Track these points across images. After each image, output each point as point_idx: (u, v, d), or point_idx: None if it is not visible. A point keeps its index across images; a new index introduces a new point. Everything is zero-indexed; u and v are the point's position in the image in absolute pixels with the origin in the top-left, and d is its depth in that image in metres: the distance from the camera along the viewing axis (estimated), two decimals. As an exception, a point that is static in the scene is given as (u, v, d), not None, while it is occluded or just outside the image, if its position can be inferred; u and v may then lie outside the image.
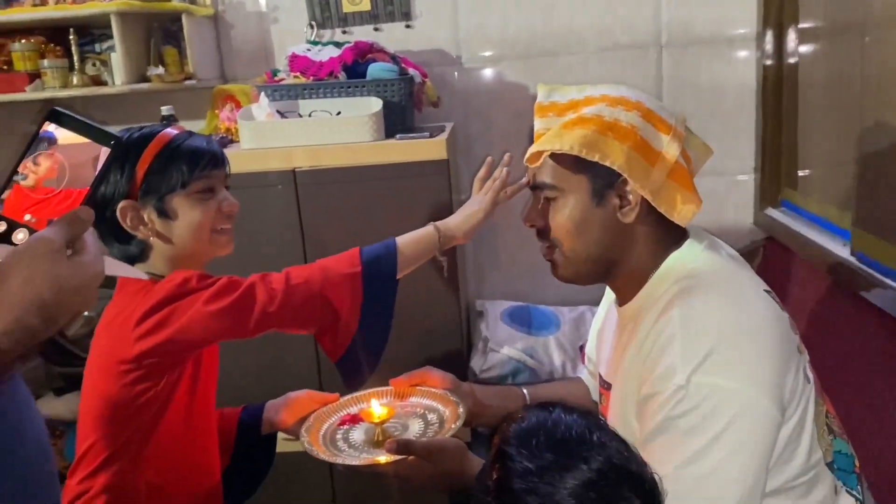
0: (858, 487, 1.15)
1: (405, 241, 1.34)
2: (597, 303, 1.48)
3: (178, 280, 1.15)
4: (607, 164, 1.06)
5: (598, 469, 0.79)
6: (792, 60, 2.03)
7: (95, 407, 1.18)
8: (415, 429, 1.36)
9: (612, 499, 0.78)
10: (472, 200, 1.47)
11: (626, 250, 1.14)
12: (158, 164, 1.17)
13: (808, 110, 1.99)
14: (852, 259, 1.55)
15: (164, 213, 1.19)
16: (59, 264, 0.71)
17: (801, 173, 2.05)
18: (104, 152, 0.82)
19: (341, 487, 1.98)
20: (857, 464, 1.17)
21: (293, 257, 1.81)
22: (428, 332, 1.90)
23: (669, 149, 1.08)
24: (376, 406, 1.36)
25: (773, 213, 2.07)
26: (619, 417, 1.13)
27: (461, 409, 1.34)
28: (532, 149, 1.13)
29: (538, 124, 1.17)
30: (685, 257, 1.12)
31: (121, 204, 1.16)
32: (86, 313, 2.05)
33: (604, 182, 1.10)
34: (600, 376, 1.25)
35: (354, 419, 1.41)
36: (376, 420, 1.34)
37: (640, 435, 1.06)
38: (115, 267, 0.87)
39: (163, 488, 1.23)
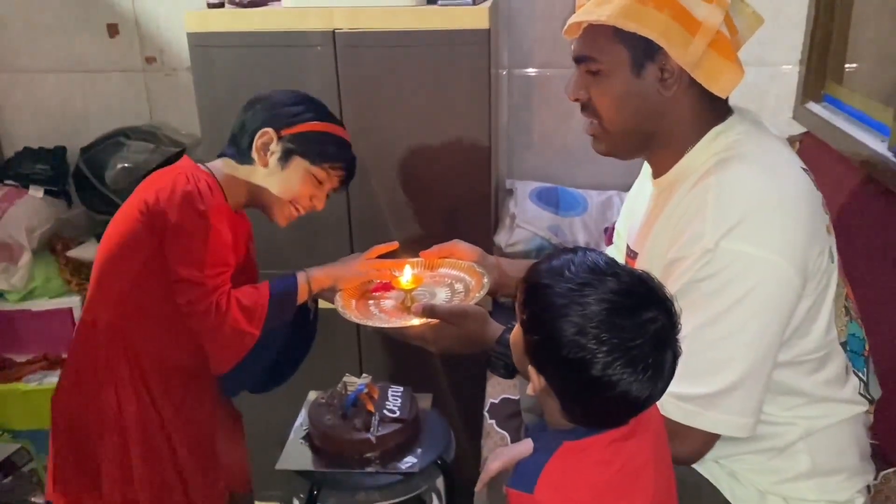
0: (864, 369, 1.20)
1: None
2: (627, 188, 1.49)
3: (192, 206, 1.31)
4: (644, 34, 1.05)
5: (626, 281, 0.86)
6: (854, -53, 1.94)
7: (107, 243, 1.39)
8: (442, 296, 1.43)
9: (641, 305, 0.85)
10: (347, 259, 1.53)
11: (667, 123, 1.14)
12: (319, 136, 1.41)
13: (863, 1, 1.92)
14: (889, 154, 1.54)
15: (283, 160, 1.39)
16: None
17: (847, 67, 2.00)
18: None
19: (368, 350, 2.07)
20: (866, 347, 1.21)
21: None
22: (458, 208, 1.93)
23: (711, 17, 1.06)
24: (407, 273, 1.42)
25: (813, 107, 2.04)
26: None
27: (486, 280, 1.40)
28: (571, 20, 1.13)
29: None
30: (726, 131, 1.13)
31: (267, 128, 1.38)
32: (126, 165, 2.14)
33: (643, 53, 1.09)
34: (627, 247, 1.29)
35: (386, 287, 1.48)
36: (405, 287, 1.40)
37: None
38: None
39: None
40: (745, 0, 1.15)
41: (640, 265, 1.20)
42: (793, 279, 1.03)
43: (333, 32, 1.78)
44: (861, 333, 1.21)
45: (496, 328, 1.27)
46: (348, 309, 1.40)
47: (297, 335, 1.52)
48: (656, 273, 1.12)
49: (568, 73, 1.22)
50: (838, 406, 1.16)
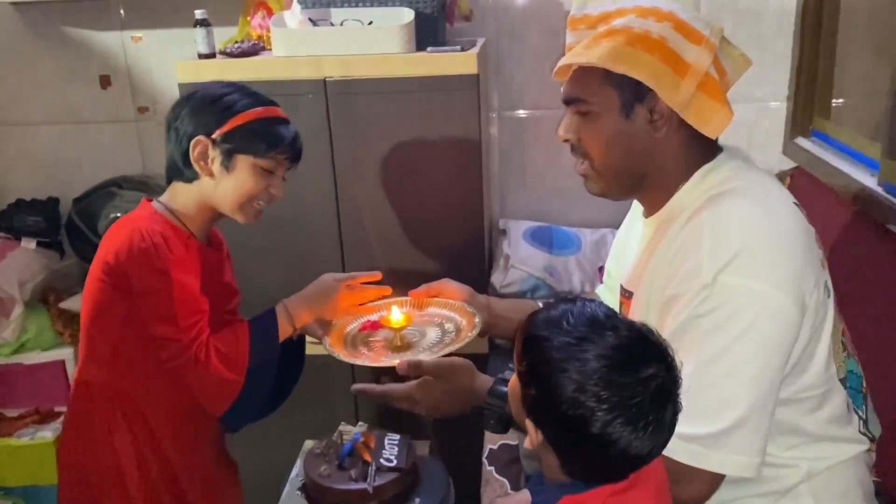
0: (863, 406, 1.19)
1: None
2: (619, 225, 1.49)
3: (142, 256, 1.29)
4: (634, 76, 1.06)
5: (626, 336, 0.85)
6: (835, -15, 1.97)
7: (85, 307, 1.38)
8: (432, 336, 1.41)
9: (641, 360, 0.83)
10: (326, 288, 1.48)
11: (657, 163, 1.14)
12: (251, 126, 1.33)
13: (848, 38, 1.95)
14: (879, 189, 1.55)
15: (226, 164, 1.33)
16: None
17: (834, 103, 2.02)
18: None
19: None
20: (864, 384, 1.20)
21: (322, 166, 1.84)
22: (450, 248, 1.93)
23: (700, 60, 1.07)
24: (396, 313, 1.41)
25: (802, 142, 2.05)
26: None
27: (477, 319, 1.39)
28: (561, 62, 1.14)
29: (569, 37, 1.17)
30: (716, 168, 1.13)
31: (198, 136, 1.31)
32: (118, 214, 2.13)
33: (632, 95, 1.10)
34: (621, 287, 1.28)
35: (374, 325, 1.47)
36: (395, 326, 1.39)
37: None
38: None
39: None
40: (733, 43, 1.16)
41: (637, 305, 1.19)
42: (791, 312, 1.02)
43: (324, 80, 1.80)
44: (858, 370, 1.20)
45: (485, 380, 1.26)
46: (336, 348, 1.39)
47: (286, 363, 1.51)
48: (654, 312, 1.13)
49: (557, 114, 1.23)
50: (840, 445, 1.14)
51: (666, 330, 1.06)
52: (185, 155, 1.33)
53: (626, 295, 1.25)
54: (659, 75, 1.06)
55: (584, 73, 1.13)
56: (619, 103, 1.11)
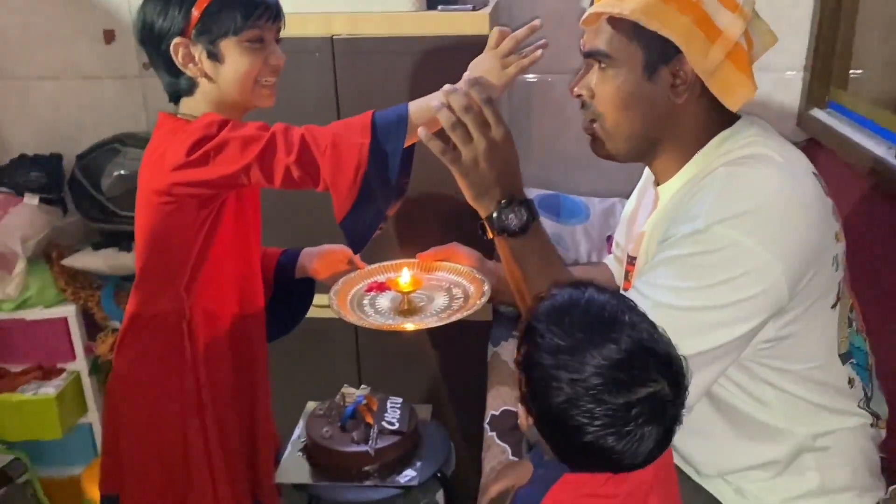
0: (869, 384, 1.17)
1: (417, 107, 1.27)
2: (629, 195, 1.47)
3: (206, 121, 1.22)
4: (665, 34, 1.02)
5: (626, 349, 0.81)
6: (859, -48, 1.92)
7: (141, 238, 1.31)
8: (440, 302, 1.40)
9: (639, 380, 0.80)
10: (489, 67, 1.30)
11: (671, 130, 1.11)
12: (214, 6, 1.23)
13: (868, 7, 1.90)
14: (895, 161, 1.52)
15: (214, 56, 1.25)
16: None
17: (852, 73, 1.98)
18: None
19: (366, 361, 2.05)
20: (870, 361, 1.18)
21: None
22: (458, 213, 1.90)
23: (732, 27, 1.04)
24: (406, 276, 1.39)
25: (818, 113, 2.01)
26: None
27: (486, 287, 1.37)
28: (591, 9, 1.09)
29: None
30: (734, 136, 1.10)
31: (174, 40, 1.23)
32: (122, 172, 2.09)
33: (659, 55, 1.06)
34: (628, 254, 1.26)
35: (381, 287, 1.45)
36: (404, 289, 1.37)
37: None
38: None
39: (215, 314, 1.36)
40: (762, 17, 1.12)
41: (639, 267, 1.17)
42: (781, 287, 0.99)
43: (332, 38, 1.76)
44: (865, 346, 1.18)
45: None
46: (343, 308, 1.37)
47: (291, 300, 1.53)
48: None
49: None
50: (841, 417, 1.13)
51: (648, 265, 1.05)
52: (172, 64, 1.26)
53: (631, 262, 1.23)
54: (690, 37, 1.03)
55: (612, 26, 1.08)
56: (644, 62, 1.07)
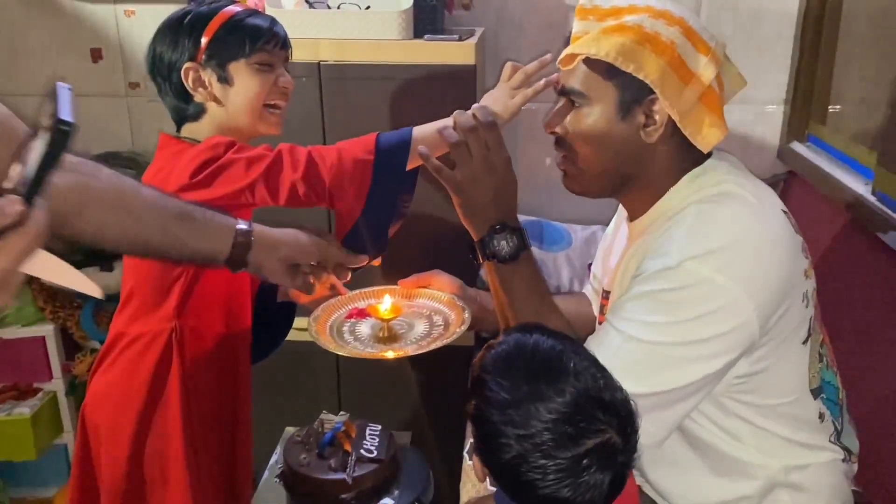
0: (840, 418, 1.18)
1: (421, 132, 1.31)
2: (610, 223, 1.48)
3: (213, 143, 1.23)
4: (640, 76, 1.04)
5: (572, 401, 0.81)
6: (838, -10, 1.96)
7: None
8: (420, 329, 1.39)
9: (587, 431, 0.81)
10: (498, 96, 1.38)
11: (643, 168, 1.13)
12: (223, 33, 1.27)
13: (848, 44, 1.94)
14: (873, 198, 1.55)
15: (223, 79, 1.28)
16: None
17: (831, 109, 2.02)
18: None
19: (347, 386, 2.04)
20: (840, 396, 1.20)
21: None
22: (441, 239, 1.92)
23: (706, 71, 1.06)
24: (386, 303, 1.39)
25: (798, 147, 2.05)
26: None
27: (466, 314, 1.37)
28: (567, 51, 1.11)
29: (577, 26, 1.14)
30: (707, 173, 1.12)
31: (185, 65, 1.26)
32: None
33: (632, 96, 1.08)
34: (602, 288, 1.27)
35: (361, 313, 1.45)
36: (384, 317, 1.37)
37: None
38: (50, 270, 0.75)
39: (203, 333, 1.35)
40: (743, 52, 1.15)
41: (612, 301, 1.18)
42: (752, 324, 1.00)
43: (319, 64, 1.77)
44: (836, 381, 1.19)
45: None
46: (322, 335, 1.37)
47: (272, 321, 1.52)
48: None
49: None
50: (813, 452, 1.14)
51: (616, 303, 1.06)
52: (182, 90, 1.28)
53: (605, 295, 1.25)
54: (664, 79, 1.04)
55: (588, 66, 1.10)
56: (618, 102, 1.09)
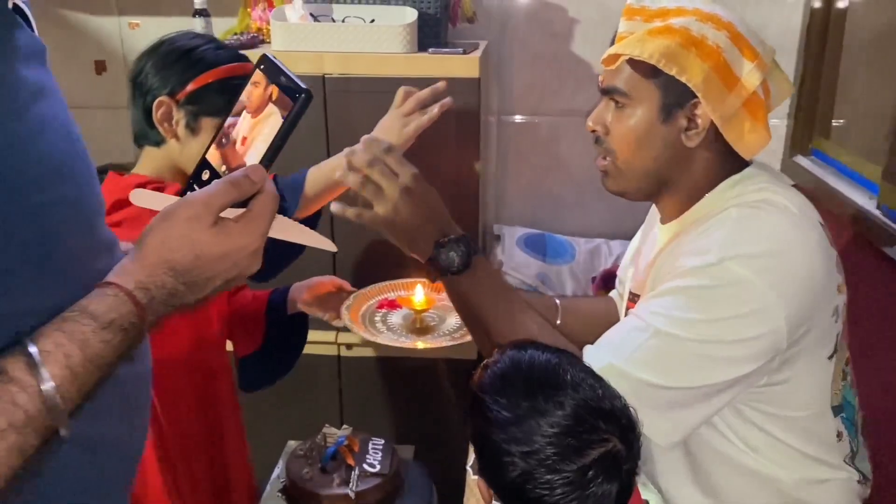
0: (856, 439, 1.17)
1: (315, 175, 1.35)
2: (615, 236, 1.47)
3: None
4: (683, 79, 1.03)
5: (572, 413, 0.81)
6: (841, 5, 1.97)
7: None
8: (452, 322, 1.36)
9: (589, 441, 0.80)
10: (390, 125, 1.35)
11: (682, 172, 1.12)
12: (213, 87, 1.25)
13: (852, 58, 1.94)
14: (877, 212, 1.54)
15: (191, 127, 1.26)
16: (196, 230, 0.68)
17: (835, 123, 2.01)
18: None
19: (349, 400, 2.03)
20: (857, 417, 1.18)
21: (317, 163, 1.81)
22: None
23: (750, 77, 1.04)
24: (420, 294, 1.35)
25: (802, 161, 2.04)
26: None
27: None
28: (611, 50, 1.10)
29: (623, 26, 1.13)
30: (744, 181, 1.11)
31: (160, 97, 1.24)
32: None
33: (675, 99, 1.06)
34: (630, 292, 1.25)
35: (392, 304, 1.42)
36: (417, 307, 1.33)
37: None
38: (287, 230, 0.80)
39: (171, 363, 1.29)
40: (781, 68, 1.14)
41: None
42: (780, 333, 0.99)
43: (323, 77, 1.77)
44: (855, 402, 1.18)
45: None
46: (355, 323, 1.34)
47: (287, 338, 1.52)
48: None
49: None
50: (826, 469, 1.13)
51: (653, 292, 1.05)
52: (150, 115, 1.26)
53: (634, 299, 1.23)
54: (708, 84, 1.03)
55: (631, 67, 1.09)
56: (660, 104, 1.07)
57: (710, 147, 1.09)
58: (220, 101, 1.24)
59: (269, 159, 0.75)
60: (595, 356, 1.01)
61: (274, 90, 0.76)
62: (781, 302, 0.98)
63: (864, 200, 1.64)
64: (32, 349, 0.57)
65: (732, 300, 0.99)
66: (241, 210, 0.72)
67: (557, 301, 1.38)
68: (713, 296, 0.99)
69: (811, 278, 1.02)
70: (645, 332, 1.01)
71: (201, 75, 1.24)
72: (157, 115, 1.24)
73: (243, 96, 0.80)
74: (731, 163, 1.11)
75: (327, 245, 0.86)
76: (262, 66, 0.79)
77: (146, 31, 2.26)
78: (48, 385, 0.57)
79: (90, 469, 0.71)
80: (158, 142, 1.28)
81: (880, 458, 1.27)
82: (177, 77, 1.24)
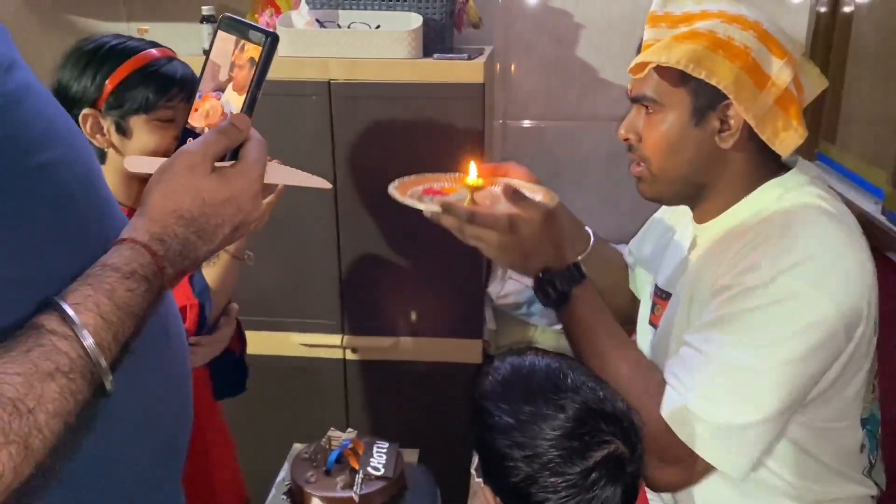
0: (876, 452, 1.16)
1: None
2: (624, 240, 1.46)
3: None
4: (713, 82, 1.02)
5: (574, 416, 0.81)
6: (847, 10, 1.97)
7: None
8: (502, 207, 1.26)
9: (592, 444, 0.81)
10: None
11: (718, 175, 1.10)
12: (129, 83, 1.20)
13: (857, 63, 1.94)
14: (883, 218, 1.54)
15: (122, 130, 1.22)
16: (198, 177, 0.70)
17: (840, 127, 2.01)
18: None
19: (354, 403, 2.04)
20: (879, 430, 1.17)
21: (323, 169, 1.83)
22: (448, 256, 1.92)
23: (781, 74, 1.03)
24: (473, 172, 1.26)
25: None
26: (676, 325, 1.12)
27: (553, 194, 1.19)
28: (638, 59, 1.09)
29: (648, 34, 1.13)
30: (787, 184, 1.09)
31: (84, 111, 1.20)
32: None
33: (706, 102, 1.06)
34: (657, 287, 1.24)
35: (438, 193, 1.32)
36: (471, 185, 1.25)
37: (699, 321, 1.05)
38: (280, 174, 0.83)
39: None
40: (811, 62, 1.12)
41: (674, 306, 1.15)
42: (839, 339, 0.99)
43: (329, 83, 1.79)
44: (878, 414, 1.17)
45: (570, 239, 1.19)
46: (403, 195, 1.18)
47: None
48: (696, 309, 1.08)
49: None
50: (848, 484, 1.11)
51: (705, 317, 1.03)
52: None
53: (663, 296, 1.21)
54: (739, 85, 1.02)
55: (660, 73, 1.08)
56: (692, 108, 1.07)
57: (745, 147, 1.08)
58: (144, 94, 1.19)
59: (249, 107, 0.78)
60: (676, 403, 0.99)
61: (244, 44, 0.80)
62: (839, 311, 0.98)
63: (870, 206, 1.64)
64: (62, 304, 0.59)
65: (793, 316, 0.98)
66: (233, 162, 0.74)
67: (590, 231, 1.38)
68: (773, 314, 0.98)
69: (863, 286, 1.01)
70: (707, 370, 0.99)
71: (115, 71, 1.19)
72: (86, 129, 1.20)
73: (213, 58, 0.82)
74: (768, 161, 1.10)
75: (321, 183, 0.87)
76: (224, 26, 0.82)
77: (155, 38, 2.24)
78: (84, 332, 0.58)
79: (140, 454, 0.72)
80: (101, 157, 1.23)
81: (886, 466, 1.27)
82: (91, 82, 1.20)
